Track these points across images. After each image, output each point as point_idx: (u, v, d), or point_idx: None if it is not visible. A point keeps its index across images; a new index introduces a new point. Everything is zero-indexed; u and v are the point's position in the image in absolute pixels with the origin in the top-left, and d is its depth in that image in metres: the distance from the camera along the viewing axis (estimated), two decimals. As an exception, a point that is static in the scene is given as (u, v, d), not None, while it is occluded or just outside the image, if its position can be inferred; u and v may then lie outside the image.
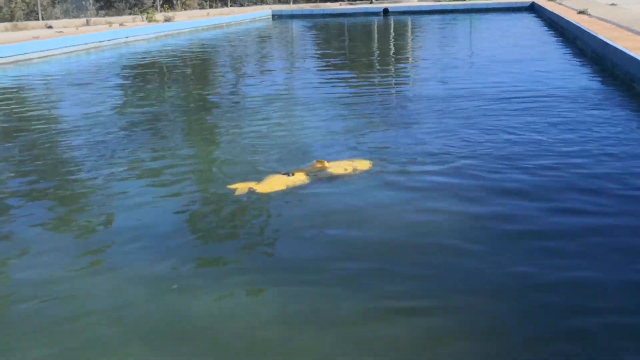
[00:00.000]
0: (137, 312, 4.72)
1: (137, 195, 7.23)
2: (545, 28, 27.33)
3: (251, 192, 6.70)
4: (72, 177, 8.19)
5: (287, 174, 7.05)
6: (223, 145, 9.68)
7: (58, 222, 6.63)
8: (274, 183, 6.85)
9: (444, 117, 10.56)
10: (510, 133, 9.22)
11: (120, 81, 17.70)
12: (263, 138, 9.60)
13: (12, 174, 8.50)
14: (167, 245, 5.80)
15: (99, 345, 4.32)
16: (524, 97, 11.92)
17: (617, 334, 4.28)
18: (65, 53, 23.13)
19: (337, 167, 7.43)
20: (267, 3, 54.15)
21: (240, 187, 6.82)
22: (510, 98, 11.88)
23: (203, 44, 27.66)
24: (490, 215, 6.30)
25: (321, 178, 7.15)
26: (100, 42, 25.60)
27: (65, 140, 10.37)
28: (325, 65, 19.54)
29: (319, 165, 7.40)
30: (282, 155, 8.41)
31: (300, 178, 7.01)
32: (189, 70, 19.56)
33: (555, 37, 23.21)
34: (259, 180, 7.03)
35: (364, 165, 7.61)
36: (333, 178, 7.21)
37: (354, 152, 8.48)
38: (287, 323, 4.53)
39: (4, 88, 16.50)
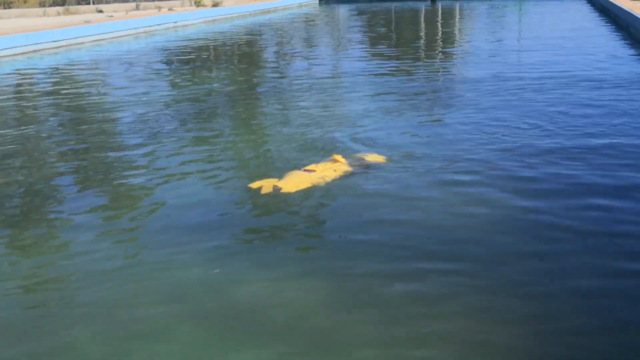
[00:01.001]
0: (187, 295, 4.83)
1: (178, 180, 7.32)
2: (597, 14, 26.81)
3: (276, 188, 6.59)
4: (119, 154, 8.45)
5: (309, 170, 6.94)
6: (259, 134, 9.66)
7: (104, 204, 6.78)
8: (298, 180, 6.74)
9: (491, 102, 10.48)
10: (556, 119, 9.16)
11: (168, 66, 17.90)
12: (298, 126, 9.60)
13: (63, 150, 8.73)
14: (211, 230, 5.86)
15: (151, 327, 4.44)
16: (572, 82, 11.81)
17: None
18: (115, 37, 23.46)
19: (355, 161, 7.37)
20: (314, -12, 54.07)
21: (265, 184, 6.69)
22: (559, 83, 11.77)
23: (250, 29, 27.75)
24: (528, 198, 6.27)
25: (343, 172, 7.05)
26: (149, 26, 25.89)
27: (113, 121, 10.61)
28: (371, 51, 19.47)
29: (336, 159, 7.29)
30: (314, 145, 8.43)
31: (322, 174, 6.89)
32: (236, 55, 19.69)
33: (607, 23, 22.77)
34: (280, 177, 6.89)
35: (380, 158, 7.56)
36: (355, 171, 7.14)
37: (385, 142, 8.45)
38: (334, 309, 4.60)
39: (57, 71, 16.84)
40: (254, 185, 6.71)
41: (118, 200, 6.88)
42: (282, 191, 6.50)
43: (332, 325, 4.38)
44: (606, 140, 8.15)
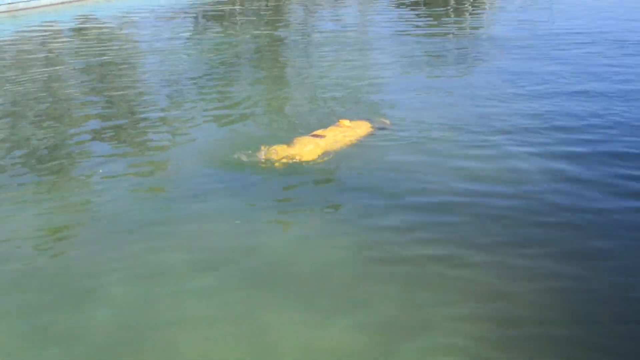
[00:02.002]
0: (212, 251, 4.94)
1: (190, 140, 7.41)
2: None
3: (289, 154, 6.43)
4: (141, 113, 8.57)
5: (318, 135, 6.84)
6: (275, 96, 9.55)
7: (129, 159, 6.91)
8: (310, 146, 6.61)
9: (514, 69, 10.36)
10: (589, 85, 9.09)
11: (194, 22, 17.85)
12: (313, 88, 9.60)
13: (90, 102, 8.84)
14: (230, 191, 5.90)
15: (176, 280, 4.57)
16: (602, 49, 11.62)
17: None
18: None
19: (362, 126, 7.32)
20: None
21: (278, 150, 6.46)
22: (588, 49, 11.55)
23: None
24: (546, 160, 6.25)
25: (352, 136, 7.00)
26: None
27: (135, 81, 10.71)
28: (396, 12, 19.19)
29: (343, 124, 7.21)
30: (325, 108, 8.46)
31: (334, 139, 6.82)
32: (262, 11, 19.50)
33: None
34: (289, 141, 6.73)
35: (386, 122, 7.53)
36: (364, 135, 7.12)
37: (395, 104, 8.47)
38: (356, 266, 4.68)
39: (82, 25, 16.81)
40: (268, 151, 6.43)
41: (141, 156, 6.96)
42: (295, 157, 6.39)
43: (355, 282, 4.46)
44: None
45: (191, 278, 4.56)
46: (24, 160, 6.86)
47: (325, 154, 6.55)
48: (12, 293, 4.44)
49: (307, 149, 6.55)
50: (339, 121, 7.33)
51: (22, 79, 10.44)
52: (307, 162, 6.37)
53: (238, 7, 20.97)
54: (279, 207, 5.65)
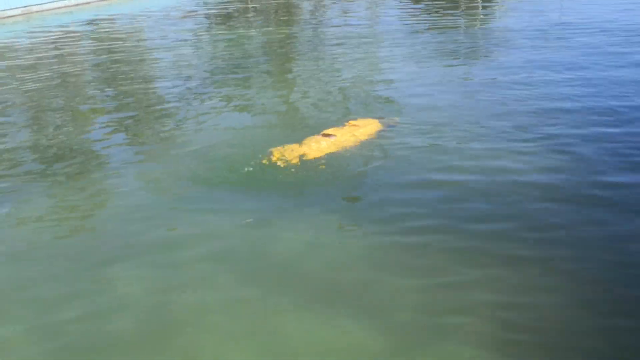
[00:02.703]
0: (226, 249, 4.94)
1: (203, 141, 7.32)
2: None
3: (300, 154, 6.41)
4: (153, 116, 8.49)
5: (328, 135, 6.82)
6: (285, 95, 9.57)
7: (141, 157, 6.95)
8: (320, 145, 6.60)
9: (526, 61, 10.29)
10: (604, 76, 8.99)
11: (207, 22, 17.82)
12: (323, 86, 9.57)
13: (96, 113, 8.88)
14: (242, 191, 5.89)
15: (190, 278, 4.57)
16: (615, 39, 11.51)
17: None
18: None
19: (371, 125, 7.28)
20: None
21: (287, 151, 6.47)
22: (603, 41, 11.44)
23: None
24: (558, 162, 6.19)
25: (361, 136, 6.96)
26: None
27: (148, 80, 10.70)
28: (407, 6, 19.13)
29: (353, 124, 7.20)
30: (335, 107, 8.45)
31: (343, 138, 6.81)
32: (274, 9, 19.50)
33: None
34: (299, 141, 6.71)
35: (394, 121, 7.49)
36: (373, 135, 7.05)
37: (403, 102, 8.42)
38: (370, 267, 4.65)
39: (98, 25, 16.87)
40: (280, 150, 6.45)
41: (155, 155, 6.97)
42: (307, 156, 6.38)
43: (368, 285, 4.43)
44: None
45: (206, 278, 4.57)
46: (35, 161, 6.91)
47: (336, 152, 6.52)
48: (27, 290, 4.47)
49: (318, 147, 6.54)
50: (349, 121, 7.31)
51: (36, 79, 10.50)
52: (318, 160, 6.34)
53: (250, 5, 20.97)
54: (292, 207, 5.59)
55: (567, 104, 7.91)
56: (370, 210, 5.47)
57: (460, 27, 15.19)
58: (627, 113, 7.47)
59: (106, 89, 10.08)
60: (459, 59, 11.19)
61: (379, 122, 7.41)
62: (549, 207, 5.37)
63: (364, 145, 6.76)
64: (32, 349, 3.94)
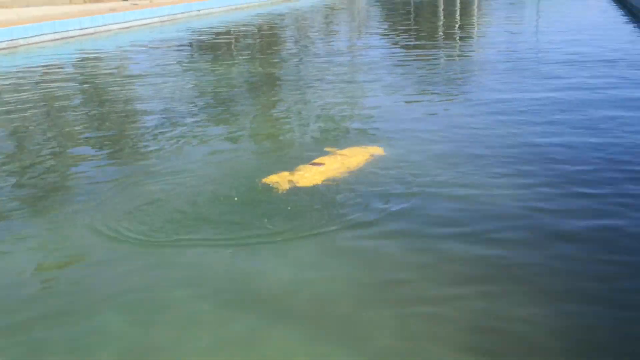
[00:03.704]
0: (210, 281, 4.93)
1: (193, 171, 7.33)
2: (615, 5, 26.44)
3: (291, 182, 6.50)
4: (138, 143, 8.53)
5: (317, 164, 6.91)
6: (273, 126, 9.61)
7: (124, 188, 6.84)
8: (310, 174, 6.68)
9: (502, 92, 10.45)
10: (570, 104, 9.18)
11: (190, 54, 17.96)
12: (309, 118, 9.60)
13: (89, 128, 8.87)
14: (231, 220, 5.85)
15: (175, 314, 4.54)
16: (585, 71, 11.81)
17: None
18: (140, 25, 23.55)
19: (357, 154, 7.37)
20: (335, -25, 53.69)
21: (282, 177, 6.57)
22: (573, 73, 11.71)
23: (273, 16, 27.70)
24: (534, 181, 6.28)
25: (349, 164, 7.02)
26: (173, 14, 25.97)
27: (137, 110, 10.71)
28: (390, 40, 19.36)
29: (341, 153, 7.31)
30: (323, 138, 8.52)
31: (332, 166, 6.88)
32: (257, 44, 19.68)
33: (625, 16, 22.44)
34: (291, 170, 6.76)
35: (379, 150, 7.57)
36: (359, 164, 7.11)
37: (388, 133, 8.53)
38: (354, 296, 4.67)
39: (84, 57, 16.93)
40: (271, 179, 6.54)
41: (140, 183, 6.93)
42: (297, 185, 6.44)
43: (352, 312, 4.45)
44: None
45: (191, 306, 4.55)
46: (25, 190, 6.89)
47: (326, 181, 6.58)
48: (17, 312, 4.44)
49: (308, 176, 6.61)
50: (337, 151, 7.42)
51: (23, 110, 10.48)
52: (308, 189, 6.38)
53: (234, 38, 21.12)
54: (279, 234, 5.57)
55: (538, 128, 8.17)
56: (353, 238, 5.50)
57: (439, 59, 15.37)
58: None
59: (90, 121, 10.08)
60: (437, 91, 11.36)
61: (365, 151, 7.50)
62: (536, 242, 5.46)
63: (351, 174, 6.83)
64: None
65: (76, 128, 9.81)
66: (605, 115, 8.94)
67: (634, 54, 14.07)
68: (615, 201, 6.06)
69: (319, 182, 6.54)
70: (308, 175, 6.63)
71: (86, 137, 9.20)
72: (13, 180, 7.36)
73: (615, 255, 5.08)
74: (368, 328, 4.24)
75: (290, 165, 7.00)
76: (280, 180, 6.51)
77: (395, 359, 3.95)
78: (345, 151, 7.42)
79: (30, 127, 9.82)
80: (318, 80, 12.67)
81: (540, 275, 4.84)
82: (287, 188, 6.38)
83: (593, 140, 7.88)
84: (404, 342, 4.10)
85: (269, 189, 6.39)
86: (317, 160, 7.06)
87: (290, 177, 6.56)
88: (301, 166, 6.88)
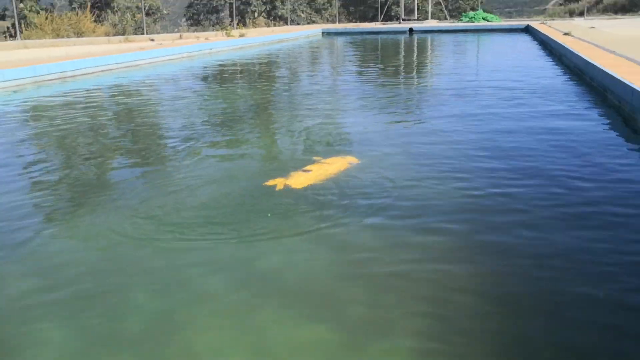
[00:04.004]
0: (219, 265, 4.84)
1: (205, 176, 7.23)
2: (537, 46, 26.66)
3: (286, 185, 6.53)
4: (160, 157, 8.38)
5: (306, 170, 6.97)
6: (272, 141, 9.56)
7: (138, 198, 6.76)
8: (302, 178, 6.70)
9: (450, 113, 10.49)
10: (501, 121, 9.18)
11: (204, 83, 17.88)
12: (299, 135, 9.51)
13: (123, 140, 8.76)
14: (237, 214, 5.81)
15: (187, 294, 4.45)
16: (514, 96, 11.88)
17: None
18: (164, 60, 23.42)
19: (337, 162, 7.36)
20: (318, 23, 53.91)
21: (278, 181, 6.64)
22: (505, 98, 11.76)
23: (269, 54, 27.70)
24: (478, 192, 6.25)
25: (331, 170, 6.99)
26: (190, 52, 25.84)
27: (159, 126, 10.64)
28: (362, 71, 19.41)
29: (324, 162, 7.32)
30: (310, 151, 8.46)
31: (318, 172, 6.90)
32: (257, 75, 19.65)
33: (545, 54, 22.64)
34: (286, 176, 6.80)
35: (355, 160, 7.52)
36: (340, 169, 7.08)
37: (363, 145, 8.50)
38: (334, 275, 4.60)
39: (119, 86, 16.82)
40: (270, 182, 6.63)
41: (158, 189, 6.82)
42: (291, 187, 6.50)
43: (331, 290, 4.38)
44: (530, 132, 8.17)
45: (201, 283, 4.50)
46: (71, 188, 6.77)
47: (312, 183, 6.58)
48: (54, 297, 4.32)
49: (299, 181, 6.66)
50: (322, 160, 7.45)
51: (72, 125, 10.35)
52: (300, 190, 6.39)
53: (238, 71, 21.05)
54: (276, 225, 5.50)
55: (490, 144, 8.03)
56: (336, 229, 5.40)
57: (400, 87, 15.40)
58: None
59: (125, 136, 9.99)
60: (398, 112, 11.40)
61: (343, 160, 7.49)
62: (491, 225, 5.34)
63: (333, 178, 6.81)
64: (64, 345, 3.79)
65: (112, 140, 9.74)
66: (524, 126, 8.95)
67: (550, 86, 14.18)
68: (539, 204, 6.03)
69: (308, 185, 6.54)
70: (299, 180, 6.67)
71: (120, 148, 9.13)
72: (62, 179, 7.26)
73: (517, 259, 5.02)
74: (342, 302, 4.18)
75: (285, 171, 7.03)
76: (277, 183, 6.58)
77: (368, 325, 3.88)
78: (328, 160, 7.45)
79: (77, 139, 9.74)
80: (304, 104, 12.66)
81: (488, 254, 4.80)
82: (283, 189, 6.41)
83: (513, 143, 7.89)
84: (375, 312, 4.05)
85: (269, 190, 6.41)
86: (306, 167, 7.09)
87: (285, 181, 6.62)
88: (293, 172, 6.93)
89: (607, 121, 9.82)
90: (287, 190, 6.39)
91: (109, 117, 11.92)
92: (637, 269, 4.51)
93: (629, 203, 5.86)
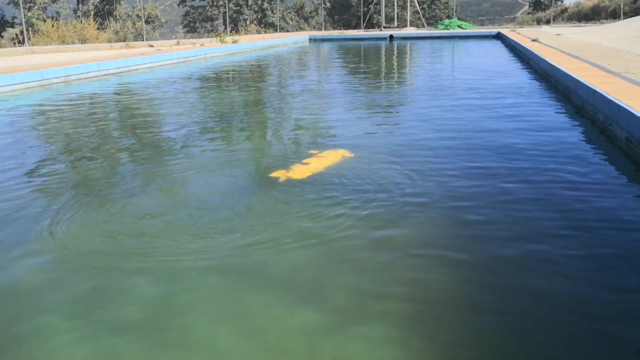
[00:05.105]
0: (212, 253, 4.78)
1: (203, 172, 7.18)
2: (507, 51, 26.74)
3: (288, 176, 6.59)
4: (160, 155, 8.26)
5: (305, 163, 7.09)
6: (270, 138, 9.57)
7: (151, 189, 6.68)
8: (301, 170, 6.80)
9: (429, 110, 10.49)
10: (473, 112, 9.19)
11: (201, 85, 17.75)
12: (294, 131, 9.52)
13: (125, 138, 8.66)
14: (233, 215, 5.73)
15: (184, 280, 4.40)
16: (486, 96, 11.89)
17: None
18: (162, 65, 23.23)
19: (332, 155, 7.45)
20: (305, 30, 53.77)
21: (281, 173, 6.73)
22: (478, 97, 11.79)
23: (260, 59, 27.56)
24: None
25: (327, 163, 7.08)
26: (187, 57, 25.65)
27: (159, 125, 10.53)
28: (347, 74, 19.37)
29: (320, 155, 7.44)
30: (307, 145, 8.44)
31: (315, 165, 6.99)
32: (249, 78, 19.55)
33: (515, 58, 22.71)
34: (287, 168, 6.90)
35: (347, 153, 7.58)
36: (335, 162, 7.15)
37: (353, 141, 8.50)
38: (320, 265, 4.55)
39: (120, 89, 16.66)
40: (273, 174, 6.74)
41: (155, 188, 6.75)
42: (292, 178, 6.60)
43: (319, 277, 4.36)
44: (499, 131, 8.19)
45: (197, 267, 4.47)
46: (78, 182, 6.67)
47: (311, 175, 6.67)
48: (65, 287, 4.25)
49: (299, 171, 6.80)
50: (318, 154, 7.59)
51: (76, 124, 10.23)
52: (300, 181, 6.47)
53: (231, 75, 20.92)
54: (267, 216, 5.43)
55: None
56: (326, 219, 5.34)
57: (382, 87, 15.39)
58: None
59: (127, 134, 9.90)
60: (382, 109, 11.38)
61: (337, 153, 7.59)
62: (472, 220, 5.32)
63: (329, 169, 6.88)
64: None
65: (115, 138, 9.65)
66: (494, 126, 8.97)
67: (518, 85, 14.23)
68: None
69: (306, 176, 6.62)
70: (299, 171, 6.79)
71: (123, 145, 9.03)
72: (69, 174, 7.16)
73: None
74: (330, 287, 4.16)
75: (286, 164, 7.17)
76: (279, 175, 6.70)
77: (350, 310, 3.86)
78: (324, 153, 7.59)
79: (82, 137, 9.64)
80: (294, 104, 12.64)
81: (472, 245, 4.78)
82: (285, 180, 6.49)
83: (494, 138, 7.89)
84: (358, 298, 4.02)
85: (272, 180, 6.51)
86: (304, 160, 7.27)
87: (286, 173, 6.75)
88: (292, 165, 7.08)
89: (573, 119, 9.88)
90: (289, 180, 6.46)
91: (111, 116, 11.80)
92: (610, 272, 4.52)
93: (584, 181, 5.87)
